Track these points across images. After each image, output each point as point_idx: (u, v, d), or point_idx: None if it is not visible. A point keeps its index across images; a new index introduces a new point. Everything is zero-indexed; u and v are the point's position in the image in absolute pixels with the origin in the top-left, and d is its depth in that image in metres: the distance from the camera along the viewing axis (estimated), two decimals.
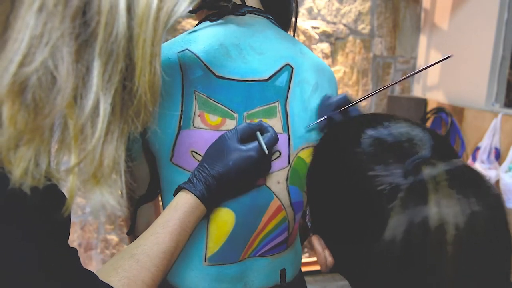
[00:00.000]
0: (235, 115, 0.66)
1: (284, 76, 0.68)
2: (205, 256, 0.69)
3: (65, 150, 0.36)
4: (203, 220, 0.65)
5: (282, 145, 0.68)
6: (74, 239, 2.29)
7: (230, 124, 0.66)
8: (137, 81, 0.36)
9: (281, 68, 0.68)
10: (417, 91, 2.85)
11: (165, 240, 0.55)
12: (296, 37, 0.79)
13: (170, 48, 0.65)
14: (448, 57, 0.57)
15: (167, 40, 0.69)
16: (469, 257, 0.38)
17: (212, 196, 0.60)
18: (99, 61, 0.33)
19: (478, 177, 0.41)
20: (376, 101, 2.82)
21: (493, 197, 0.40)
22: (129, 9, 0.34)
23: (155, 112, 0.40)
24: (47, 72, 0.32)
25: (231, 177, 0.61)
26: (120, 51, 0.34)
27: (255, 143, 0.62)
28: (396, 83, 0.71)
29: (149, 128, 0.43)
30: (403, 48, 2.80)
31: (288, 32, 0.78)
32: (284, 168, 0.69)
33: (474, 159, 2.23)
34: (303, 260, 2.79)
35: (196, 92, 0.64)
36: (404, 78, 0.64)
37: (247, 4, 0.71)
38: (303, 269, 0.84)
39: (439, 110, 2.53)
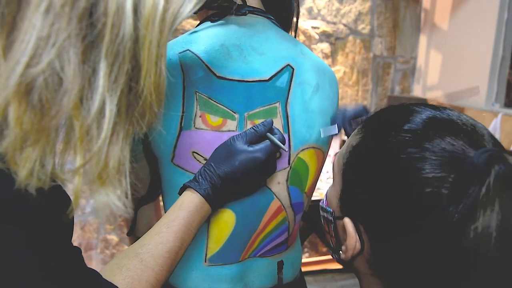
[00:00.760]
0: (236, 115, 0.66)
1: (284, 77, 0.68)
2: (206, 256, 0.69)
3: (69, 150, 0.36)
4: None
5: None
6: (74, 239, 2.28)
7: (231, 125, 0.66)
8: (142, 82, 0.36)
9: (282, 69, 0.68)
10: (417, 91, 2.85)
11: (169, 240, 0.55)
12: (296, 37, 0.79)
13: (171, 48, 0.65)
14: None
15: (168, 40, 0.69)
16: None
17: (217, 195, 0.60)
18: (105, 62, 0.33)
19: None
20: (376, 101, 2.82)
21: None
22: (136, 10, 0.34)
23: (159, 113, 0.40)
24: (54, 73, 0.32)
25: (236, 177, 0.61)
26: (126, 52, 0.34)
27: (261, 145, 0.62)
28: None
29: (153, 129, 0.43)
30: (403, 48, 2.80)
31: (289, 33, 0.78)
32: (285, 168, 0.69)
33: None
34: (303, 260, 2.79)
35: (197, 93, 0.64)
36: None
37: (248, 4, 0.71)
38: (303, 269, 0.85)
39: None
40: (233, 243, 0.69)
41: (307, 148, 0.70)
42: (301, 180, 0.72)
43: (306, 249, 2.85)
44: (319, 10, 2.55)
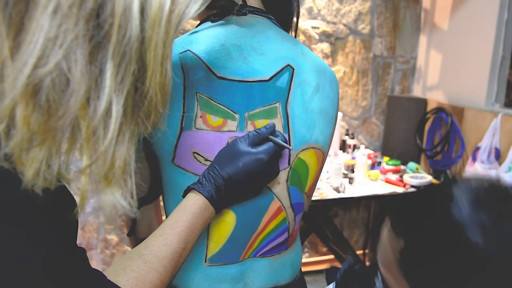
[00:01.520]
0: (236, 115, 0.66)
1: (285, 77, 0.68)
2: (206, 256, 0.69)
3: (75, 150, 0.36)
4: None
5: None
6: None
7: (231, 125, 0.66)
8: (148, 82, 0.37)
9: (282, 69, 0.68)
10: (417, 91, 2.86)
11: (173, 241, 0.55)
12: (296, 38, 0.79)
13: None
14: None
15: None
16: None
17: (221, 197, 0.61)
18: (112, 63, 0.34)
19: None
20: (376, 101, 2.82)
21: None
22: (142, 12, 0.34)
23: (164, 113, 0.41)
24: (61, 74, 0.32)
25: (240, 179, 0.61)
26: (132, 53, 0.34)
27: (265, 146, 0.63)
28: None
29: (157, 129, 0.43)
30: (403, 48, 2.80)
31: (289, 33, 0.78)
32: (285, 169, 0.69)
33: (474, 159, 2.23)
34: (303, 260, 2.79)
35: (197, 93, 0.64)
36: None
37: (248, 4, 0.71)
38: (303, 269, 0.85)
39: (439, 110, 2.53)
40: (233, 243, 0.69)
41: (307, 148, 0.70)
42: (301, 180, 0.72)
43: (306, 249, 2.85)
44: (319, 10, 2.55)
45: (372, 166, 2.42)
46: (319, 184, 2.13)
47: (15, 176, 0.34)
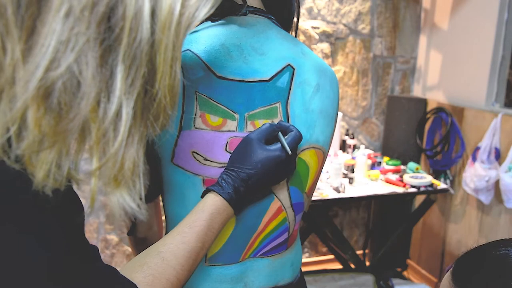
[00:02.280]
0: (236, 115, 0.66)
1: (285, 77, 0.68)
2: (206, 256, 0.69)
3: (84, 151, 0.36)
4: None
5: None
6: None
7: (231, 125, 0.66)
8: (157, 85, 0.37)
9: (282, 69, 0.68)
10: (417, 91, 2.86)
11: (191, 240, 0.56)
12: (296, 37, 0.79)
13: None
14: None
15: None
16: None
17: (240, 198, 0.61)
18: (123, 65, 0.34)
19: None
20: (376, 101, 2.82)
21: None
22: (153, 15, 0.34)
23: (172, 115, 0.41)
24: (72, 77, 0.32)
25: (260, 179, 0.61)
26: (143, 56, 0.35)
27: (279, 144, 0.63)
28: None
29: (166, 131, 0.44)
30: (403, 48, 2.80)
31: (290, 33, 0.78)
32: None
33: (474, 159, 2.23)
34: (303, 260, 2.79)
35: (197, 93, 0.64)
36: None
37: (248, 4, 0.71)
38: (303, 269, 0.85)
39: (439, 110, 2.53)
40: (233, 243, 0.69)
41: (307, 148, 0.70)
42: (301, 180, 0.72)
43: (306, 249, 2.85)
44: (319, 10, 2.55)
45: (372, 166, 2.42)
46: (319, 184, 2.13)
47: (26, 177, 0.34)
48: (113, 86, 0.34)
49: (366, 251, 2.87)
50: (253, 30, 0.69)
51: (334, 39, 2.62)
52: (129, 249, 2.42)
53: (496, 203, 2.17)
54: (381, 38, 2.73)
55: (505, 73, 2.27)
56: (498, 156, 2.14)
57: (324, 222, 2.23)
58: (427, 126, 2.66)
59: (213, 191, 0.61)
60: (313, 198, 1.95)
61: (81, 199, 0.44)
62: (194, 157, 0.65)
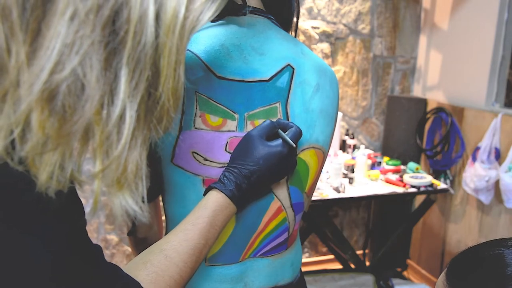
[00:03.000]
0: (236, 115, 0.66)
1: (285, 77, 0.68)
2: (206, 256, 0.69)
3: (87, 153, 0.36)
4: None
5: None
6: None
7: (231, 125, 0.66)
8: (161, 88, 0.37)
9: (282, 69, 0.68)
10: (417, 91, 2.86)
11: (194, 237, 0.56)
12: (296, 38, 0.79)
13: None
14: None
15: None
16: None
17: (242, 194, 0.61)
18: (127, 69, 0.34)
19: None
20: (376, 101, 2.82)
21: None
22: (157, 18, 0.34)
23: (175, 117, 0.41)
24: (77, 80, 0.32)
25: (262, 175, 0.62)
26: (147, 59, 0.35)
27: (280, 140, 0.63)
28: None
29: (169, 133, 0.44)
30: (403, 48, 2.80)
31: (289, 33, 0.78)
32: None
33: (474, 159, 2.23)
34: (303, 260, 2.79)
35: (197, 93, 0.64)
36: None
37: (248, 4, 0.71)
38: (303, 269, 0.85)
39: (439, 110, 2.53)
40: (233, 243, 0.69)
41: (307, 148, 0.70)
42: (301, 180, 0.72)
43: (306, 249, 2.85)
44: (319, 10, 2.55)
45: (372, 166, 2.42)
46: (319, 184, 2.13)
47: (29, 179, 0.34)
48: (117, 89, 0.34)
49: (366, 251, 2.87)
50: (253, 30, 0.69)
51: (334, 39, 2.62)
52: (129, 249, 2.42)
53: (496, 203, 2.17)
54: (381, 38, 2.73)
55: (505, 73, 2.27)
56: (498, 156, 2.14)
57: (324, 222, 2.23)
58: (427, 126, 2.66)
59: (215, 188, 0.61)
60: (313, 198, 1.95)
61: (81, 198, 0.44)
62: (194, 157, 0.65)
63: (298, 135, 0.64)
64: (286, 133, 0.64)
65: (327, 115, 0.72)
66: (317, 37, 2.58)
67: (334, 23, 2.60)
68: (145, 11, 0.33)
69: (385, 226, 2.71)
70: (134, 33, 0.33)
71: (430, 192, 2.24)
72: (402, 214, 2.70)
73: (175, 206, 0.69)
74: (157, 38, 0.35)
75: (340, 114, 2.64)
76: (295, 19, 0.78)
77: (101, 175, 0.36)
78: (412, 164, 2.43)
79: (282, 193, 0.70)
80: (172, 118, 0.40)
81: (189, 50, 0.65)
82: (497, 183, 2.08)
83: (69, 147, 0.34)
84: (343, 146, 2.66)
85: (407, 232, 2.66)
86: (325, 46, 2.61)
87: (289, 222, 0.72)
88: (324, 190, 2.09)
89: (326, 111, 0.72)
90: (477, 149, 2.22)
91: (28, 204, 0.37)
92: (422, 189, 2.19)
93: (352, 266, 2.51)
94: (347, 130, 2.72)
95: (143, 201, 0.40)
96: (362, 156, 2.35)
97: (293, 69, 0.69)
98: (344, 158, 2.43)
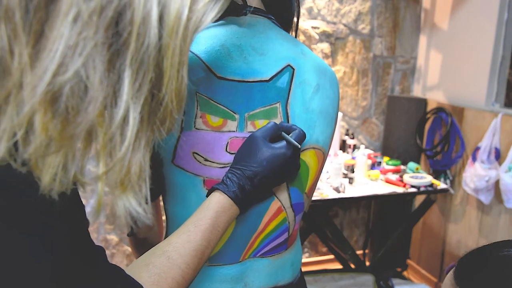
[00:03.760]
0: (236, 116, 0.66)
1: (285, 77, 0.68)
2: None
3: (90, 155, 0.36)
4: None
5: None
6: None
7: (231, 125, 0.66)
8: (164, 89, 0.37)
9: (282, 69, 0.68)
10: (417, 91, 2.86)
11: (196, 239, 0.56)
12: (296, 38, 0.79)
13: None
14: None
15: None
16: None
17: (246, 197, 0.61)
18: (130, 70, 0.34)
19: None
20: (376, 101, 2.82)
21: None
22: (160, 19, 0.34)
23: (178, 119, 0.41)
24: (80, 82, 0.32)
25: (265, 177, 0.62)
26: (150, 60, 0.35)
27: (284, 142, 0.63)
28: None
29: (172, 134, 0.44)
30: (403, 48, 2.80)
31: (290, 33, 0.78)
32: None
33: (474, 159, 2.23)
34: (303, 260, 2.79)
35: (197, 94, 0.64)
36: None
37: (248, 4, 0.71)
38: (303, 269, 0.85)
39: (439, 110, 2.53)
40: (233, 243, 0.69)
41: (307, 148, 0.70)
42: (302, 180, 0.72)
43: (306, 249, 2.85)
44: (319, 10, 2.55)
45: (372, 166, 2.42)
46: (319, 184, 2.13)
47: (32, 180, 0.34)
48: (121, 91, 0.34)
49: (366, 251, 2.87)
50: (253, 30, 0.69)
51: (334, 39, 2.62)
52: (129, 249, 2.42)
53: (496, 203, 2.17)
54: (381, 38, 2.73)
55: (505, 73, 2.27)
56: (498, 156, 2.14)
57: (324, 222, 2.23)
58: (427, 126, 2.66)
59: (218, 189, 0.60)
60: (313, 198, 1.95)
61: (81, 199, 0.44)
62: (195, 158, 0.65)
63: (302, 137, 0.64)
64: (290, 135, 0.64)
65: (327, 116, 0.72)
66: (317, 37, 2.58)
67: (334, 23, 2.60)
68: (149, 12, 0.33)
69: (385, 226, 2.71)
70: (138, 34, 0.33)
71: (430, 192, 2.24)
72: (402, 214, 2.70)
73: (176, 206, 0.69)
74: (161, 40, 0.35)
75: (340, 114, 2.64)
76: (295, 19, 0.78)
77: (105, 177, 0.36)
78: (412, 164, 2.43)
79: (282, 194, 0.70)
80: (175, 119, 0.40)
81: (190, 51, 0.65)
82: (497, 183, 2.09)
83: (72, 149, 0.34)
84: (343, 146, 2.66)
85: (407, 232, 2.66)
86: (325, 46, 2.61)
87: (289, 223, 0.72)
88: (324, 190, 2.09)
89: (326, 111, 0.72)
90: (477, 149, 2.22)
91: (29, 204, 0.37)
92: (422, 189, 2.19)
93: (352, 266, 2.51)
94: (347, 130, 2.72)
95: (146, 203, 0.40)
96: (362, 156, 2.35)
97: (293, 69, 0.69)
98: (344, 158, 2.43)
